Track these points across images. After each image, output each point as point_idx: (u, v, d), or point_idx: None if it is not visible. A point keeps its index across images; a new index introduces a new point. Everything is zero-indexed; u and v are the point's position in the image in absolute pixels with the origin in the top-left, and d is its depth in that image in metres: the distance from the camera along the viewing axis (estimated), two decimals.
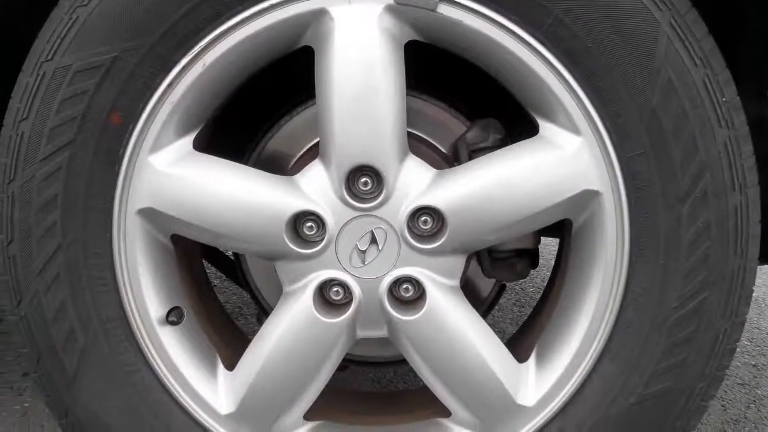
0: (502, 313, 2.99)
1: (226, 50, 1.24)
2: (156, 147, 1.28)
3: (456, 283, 1.32)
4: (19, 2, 1.36)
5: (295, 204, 1.27)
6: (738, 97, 1.22)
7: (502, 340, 1.37)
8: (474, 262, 1.45)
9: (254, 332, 1.40)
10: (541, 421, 1.35)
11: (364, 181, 1.26)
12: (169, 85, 1.25)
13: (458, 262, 1.31)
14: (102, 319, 1.34)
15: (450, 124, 1.44)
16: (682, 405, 1.32)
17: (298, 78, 1.41)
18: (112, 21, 1.22)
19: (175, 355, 1.37)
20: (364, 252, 1.29)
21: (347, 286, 1.31)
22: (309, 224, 1.28)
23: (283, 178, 1.30)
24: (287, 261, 1.31)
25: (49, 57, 1.24)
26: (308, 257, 1.30)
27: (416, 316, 1.31)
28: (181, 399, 1.38)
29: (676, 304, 1.27)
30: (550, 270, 1.88)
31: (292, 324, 1.32)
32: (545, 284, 1.75)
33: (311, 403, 1.40)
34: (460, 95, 1.51)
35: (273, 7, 1.21)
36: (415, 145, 1.39)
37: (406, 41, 1.25)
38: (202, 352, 1.41)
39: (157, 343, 1.36)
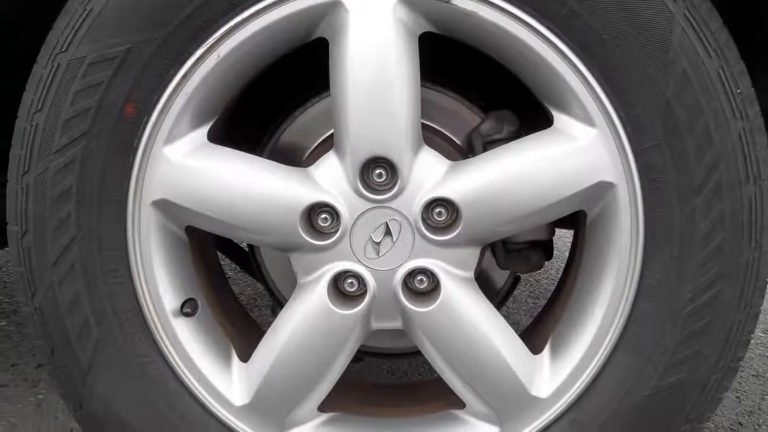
0: (516, 305, 2.99)
1: (240, 42, 1.24)
2: (170, 138, 1.28)
3: (470, 274, 1.32)
4: None
5: (309, 195, 1.27)
6: (752, 89, 1.22)
7: (516, 332, 1.37)
8: (488, 254, 1.45)
9: (268, 324, 1.40)
10: (556, 413, 1.36)
11: (378, 172, 1.26)
12: (184, 77, 1.25)
13: (473, 254, 1.31)
14: (116, 310, 1.35)
15: (464, 115, 1.44)
16: (696, 396, 1.32)
17: (313, 69, 1.41)
18: (127, 12, 1.22)
19: (189, 346, 1.38)
20: (378, 244, 1.29)
21: (362, 278, 1.32)
22: (323, 216, 1.28)
23: (298, 170, 1.30)
24: (302, 252, 1.31)
25: (64, 48, 1.24)
26: (323, 249, 1.30)
27: (431, 308, 1.31)
28: (195, 390, 1.39)
29: (690, 296, 1.27)
30: (565, 261, 1.88)
31: (306, 315, 1.33)
32: (560, 276, 1.75)
33: (326, 395, 1.40)
34: (475, 87, 1.51)
35: None
36: (430, 136, 1.39)
37: (421, 33, 1.24)
38: (216, 344, 1.41)
39: (171, 334, 1.36)
